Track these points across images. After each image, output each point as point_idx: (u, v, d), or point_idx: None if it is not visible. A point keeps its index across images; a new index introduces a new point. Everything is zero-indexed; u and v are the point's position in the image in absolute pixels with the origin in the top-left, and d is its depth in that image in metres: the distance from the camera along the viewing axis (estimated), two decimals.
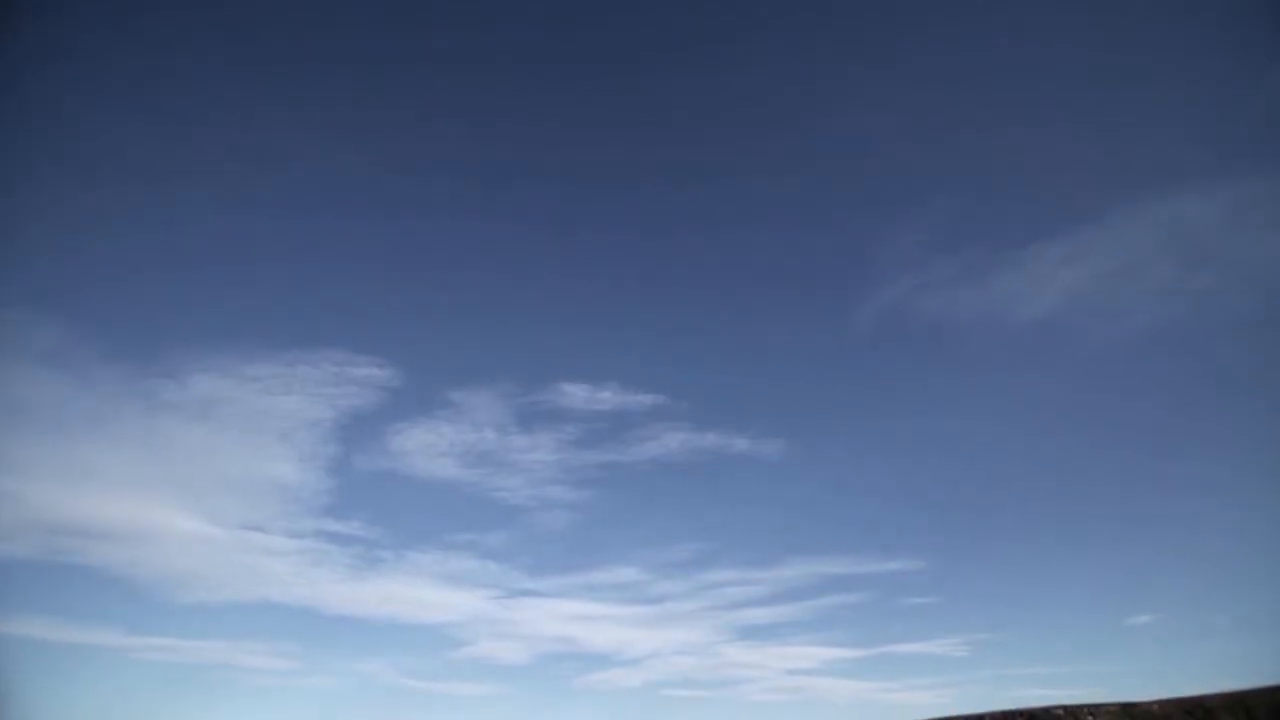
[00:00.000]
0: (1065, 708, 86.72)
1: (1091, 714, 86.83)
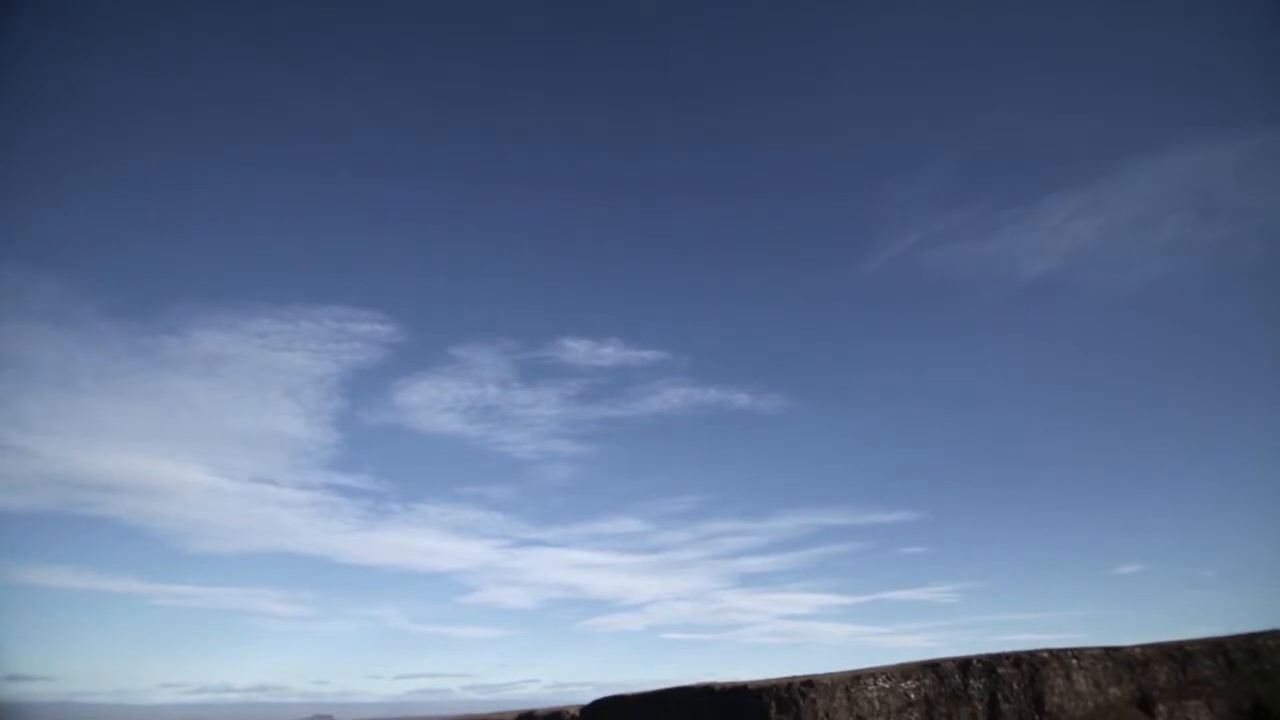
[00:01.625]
0: (1051, 651, 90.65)
1: (1076, 657, 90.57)
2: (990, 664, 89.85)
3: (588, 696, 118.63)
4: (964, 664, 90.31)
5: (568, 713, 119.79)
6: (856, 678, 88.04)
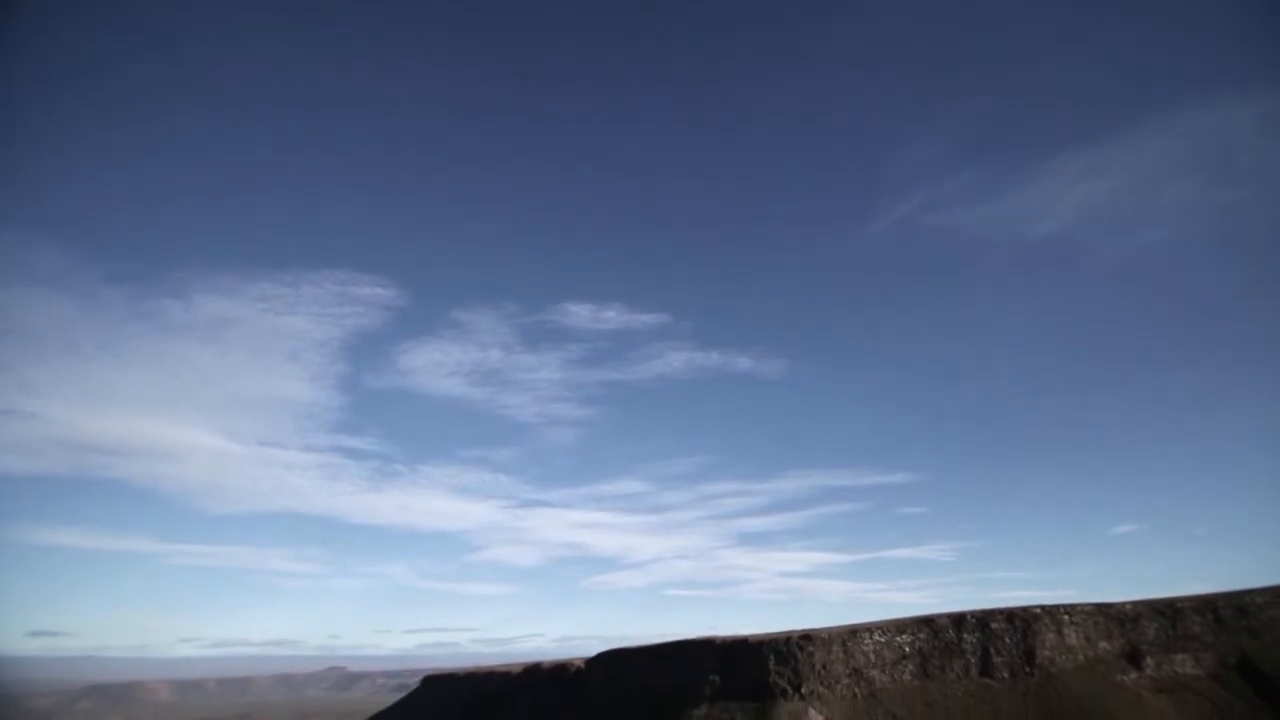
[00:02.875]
0: (1043, 607, 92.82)
1: (1067, 613, 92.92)
2: (984, 619, 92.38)
3: (592, 649, 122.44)
4: (958, 619, 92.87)
5: (573, 665, 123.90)
6: (853, 632, 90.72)
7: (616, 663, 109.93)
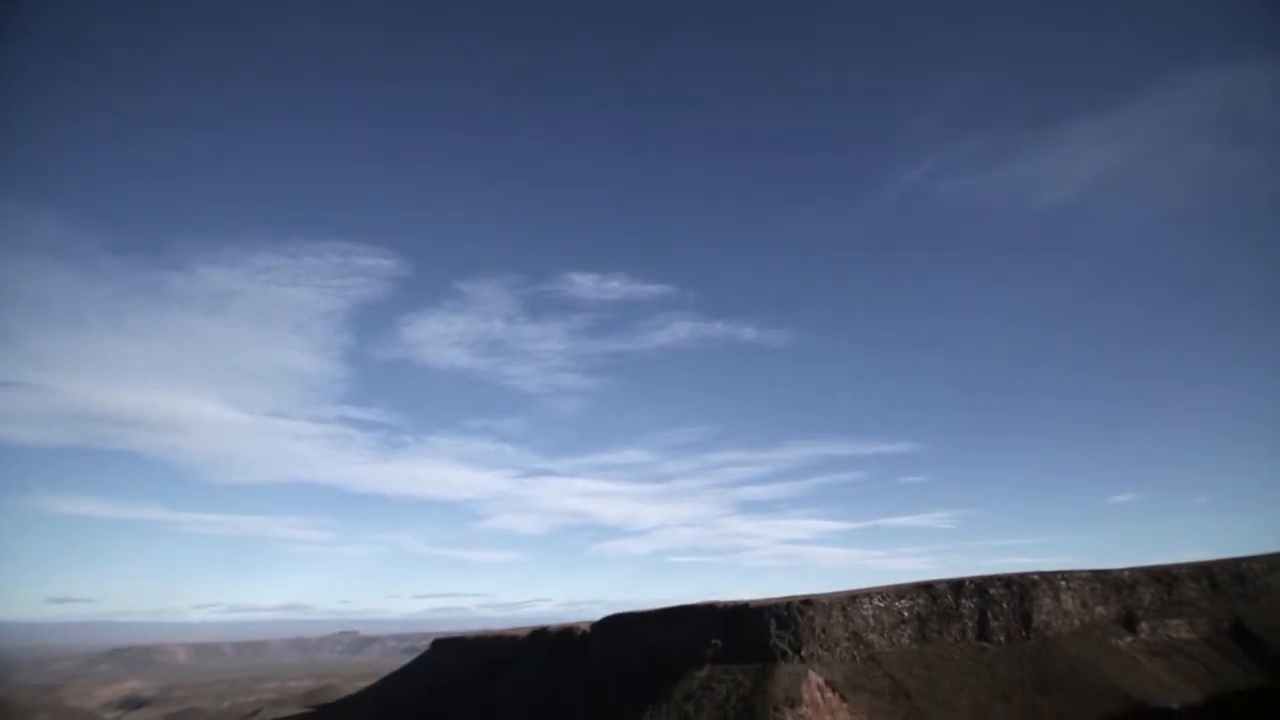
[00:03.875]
0: (1041, 574, 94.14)
1: (1065, 580, 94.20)
2: (982, 585, 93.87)
3: (598, 614, 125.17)
4: (956, 585, 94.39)
5: (579, 629, 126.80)
6: (853, 597, 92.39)
7: (621, 627, 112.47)
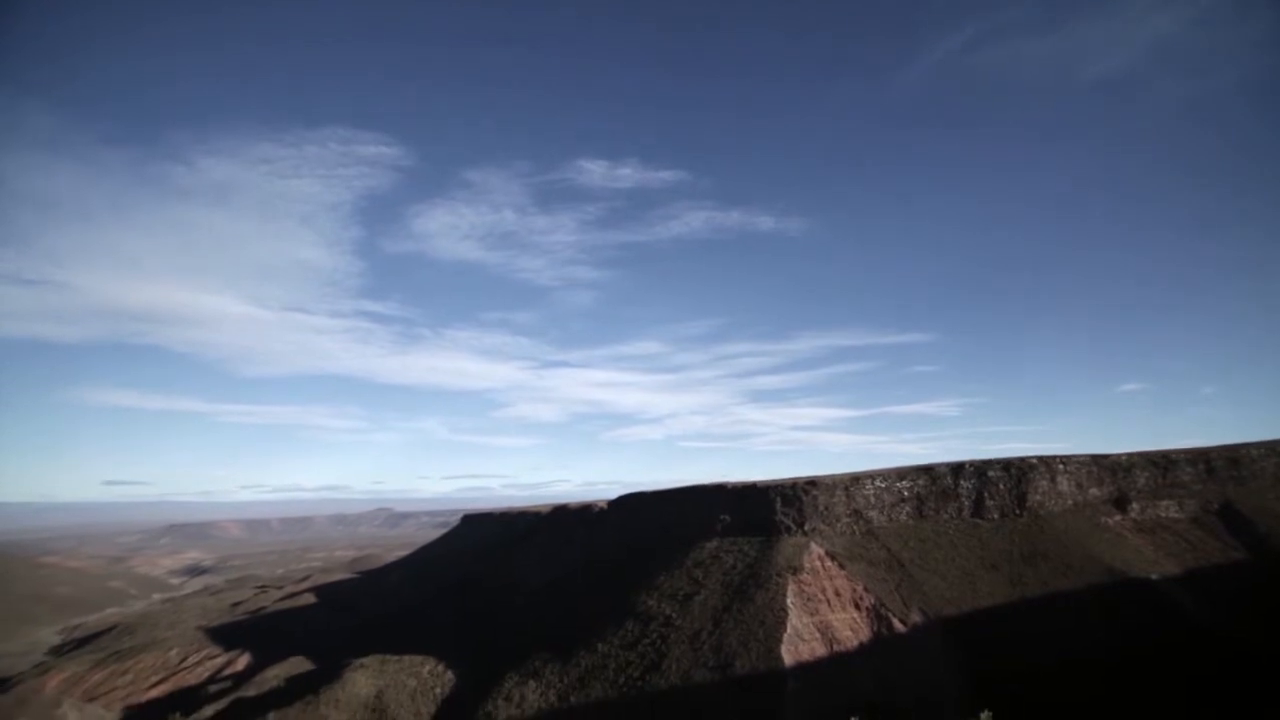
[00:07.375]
0: (1040, 458, 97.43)
1: (1063, 463, 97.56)
2: (981, 468, 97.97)
3: (614, 493, 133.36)
4: (956, 467, 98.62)
5: (597, 505, 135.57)
6: (856, 478, 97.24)
7: (636, 503, 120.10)
